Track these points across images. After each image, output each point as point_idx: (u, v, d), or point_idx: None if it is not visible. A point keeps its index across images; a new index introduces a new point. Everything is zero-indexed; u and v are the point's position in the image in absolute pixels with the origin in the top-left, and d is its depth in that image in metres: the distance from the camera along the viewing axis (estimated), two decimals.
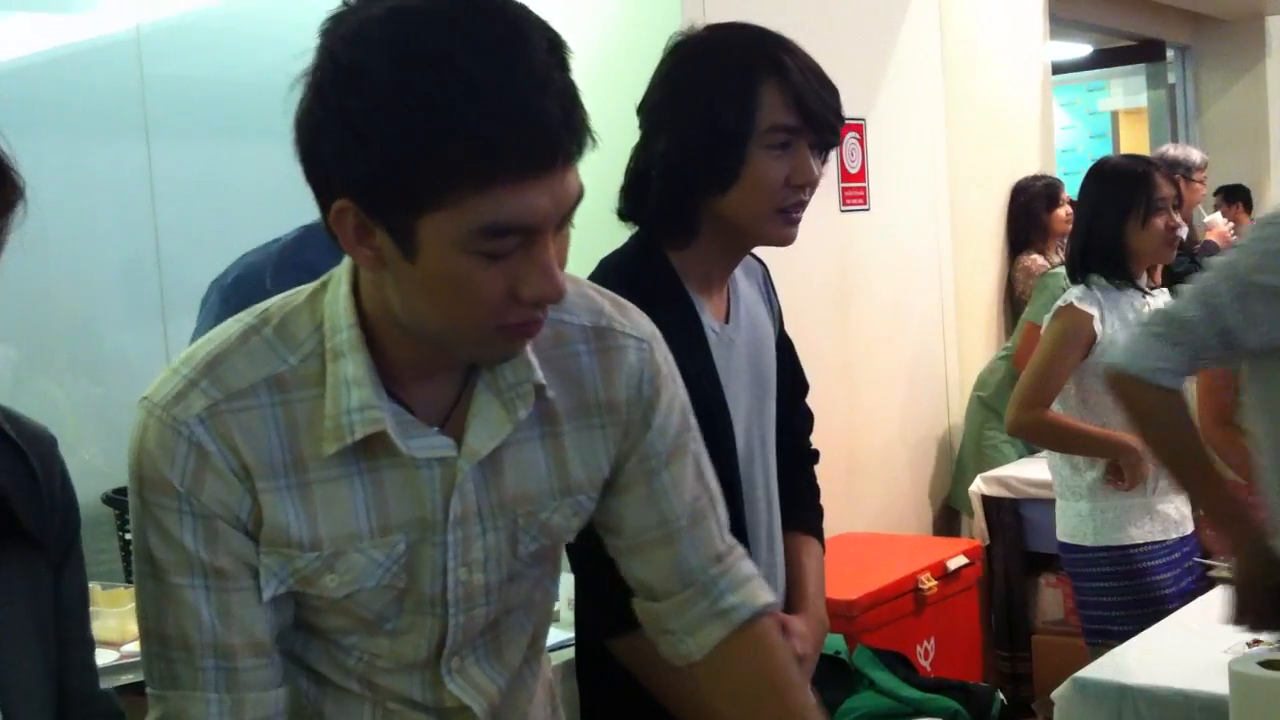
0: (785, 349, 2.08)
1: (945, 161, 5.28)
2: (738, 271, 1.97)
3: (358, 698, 1.41)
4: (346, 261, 1.31)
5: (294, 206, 1.92)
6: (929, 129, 5.23)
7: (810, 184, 1.82)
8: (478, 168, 1.13)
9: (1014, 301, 5.59)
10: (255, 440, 1.27)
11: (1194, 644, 2.70)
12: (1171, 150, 6.38)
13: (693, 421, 1.51)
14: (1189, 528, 3.43)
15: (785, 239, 1.84)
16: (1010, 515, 4.72)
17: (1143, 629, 3.06)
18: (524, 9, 1.19)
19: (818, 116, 1.80)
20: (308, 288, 1.35)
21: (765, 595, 1.52)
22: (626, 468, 1.45)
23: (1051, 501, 3.57)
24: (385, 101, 1.13)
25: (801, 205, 1.83)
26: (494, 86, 1.12)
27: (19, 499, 1.19)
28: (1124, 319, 3.32)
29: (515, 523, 1.38)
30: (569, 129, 1.16)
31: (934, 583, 4.17)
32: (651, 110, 1.86)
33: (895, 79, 5.00)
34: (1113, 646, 3.18)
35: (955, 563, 4.27)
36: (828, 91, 1.82)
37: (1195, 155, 6.27)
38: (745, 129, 1.77)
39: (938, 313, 5.27)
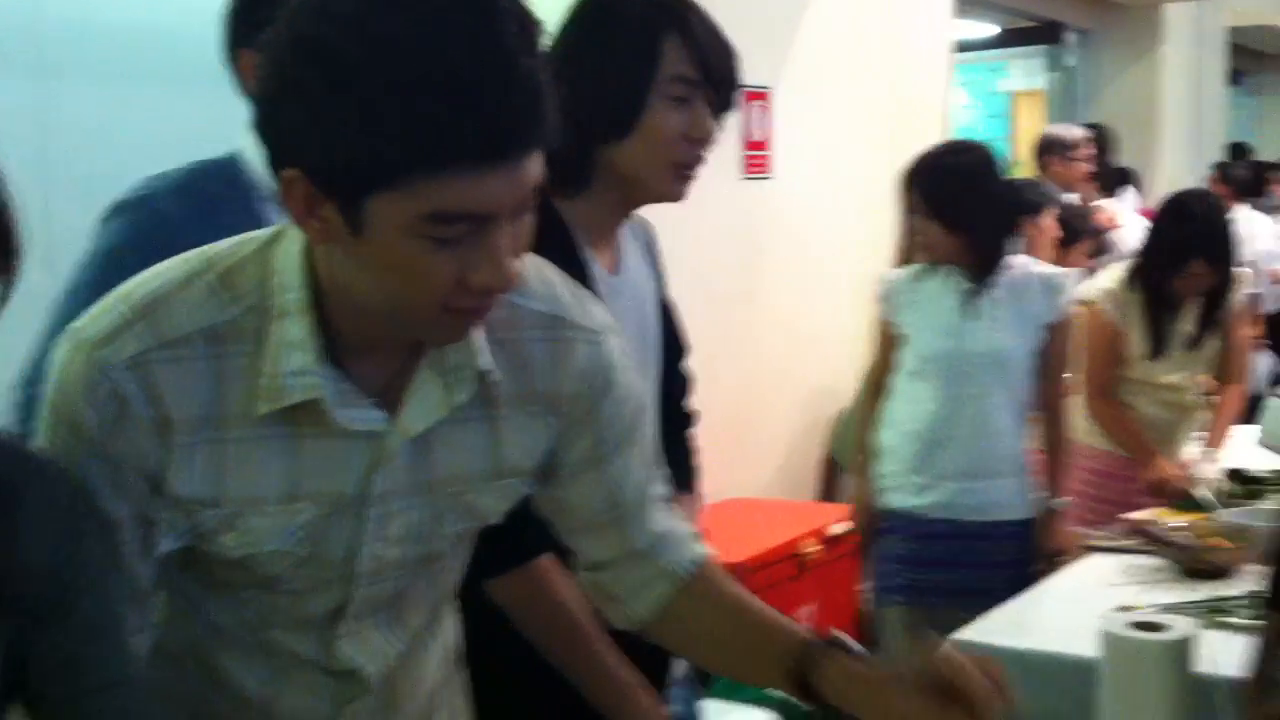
0: (666, 313, 2.09)
1: (850, 133, 5.34)
2: (625, 230, 1.97)
3: (250, 649, 1.40)
4: None
5: (198, 154, 1.91)
6: (836, 100, 5.28)
7: (707, 140, 1.81)
8: (431, 153, 1.10)
9: None
10: (181, 393, 1.23)
11: (1066, 609, 2.78)
12: (1051, 130, 6.43)
13: (645, 406, 1.51)
14: (1004, 515, 3.37)
15: (676, 195, 1.84)
16: None
17: (910, 594, 3.29)
18: None
19: (718, 73, 1.80)
20: (259, 237, 1.30)
21: (705, 549, 1.53)
22: (575, 457, 1.45)
23: None
24: (342, 80, 1.09)
25: (698, 161, 1.83)
26: (454, 71, 1.08)
27: None
28: (926, 304, 3.37)
29: (440, 502, 1.37)
30: (531, 118, 1.13)
31: (817, 548, 4.24)
32: (552, 63, 1.85)
33: (803, 49, 5.04)
34: (893, 603, 3.38)
35: (838, 528, 4.32)
36: (728, 53, 1.83)
37: (1072, 133, 6.23)
38: (646, 76, 1.77)
39: (839, 281, 5.33)
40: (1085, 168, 6.08)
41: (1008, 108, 11.44)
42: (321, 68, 1.10)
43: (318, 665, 1.42)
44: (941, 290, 3.35)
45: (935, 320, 3.35)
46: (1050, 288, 3.39)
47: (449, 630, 1.59)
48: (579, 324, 1.41)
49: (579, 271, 1.82)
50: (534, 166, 1.17)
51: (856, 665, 1.38)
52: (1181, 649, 1.83)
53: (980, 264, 3.31)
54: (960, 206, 3.27)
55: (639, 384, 1.50)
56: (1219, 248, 3.69)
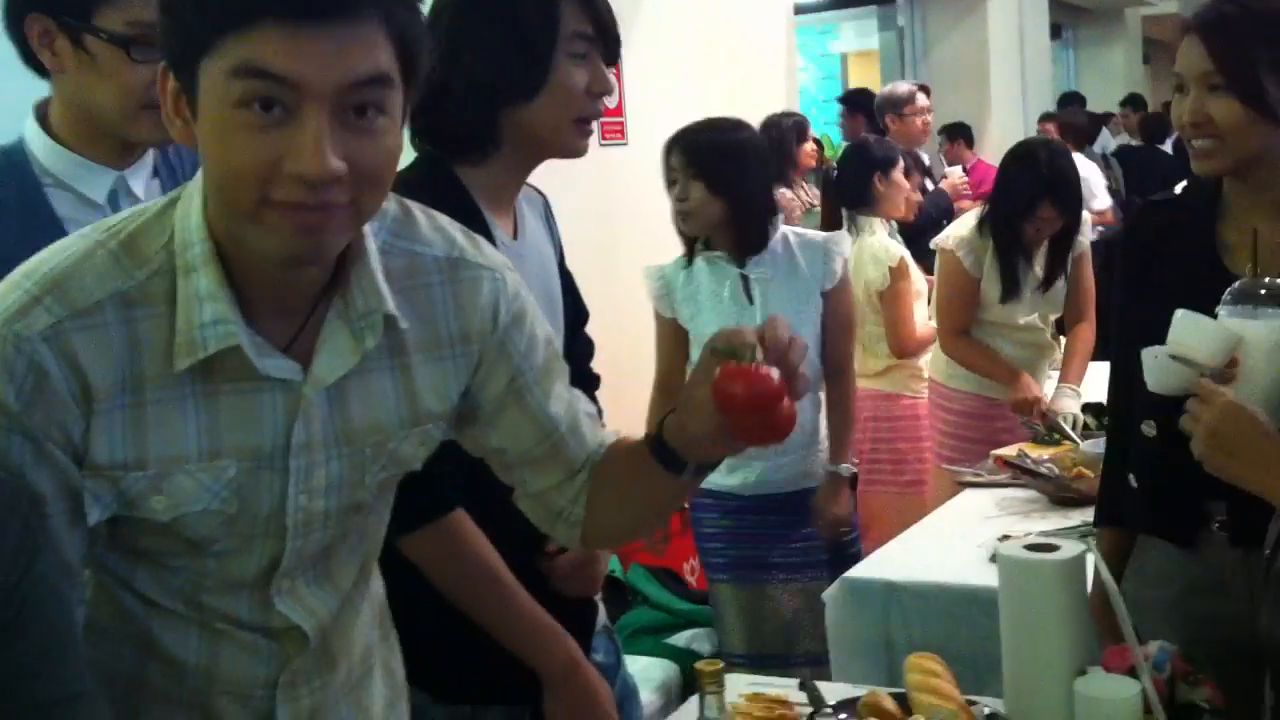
0: (566, 280, 2.14)
1: (699, 98, 5.40)
2: (521, 200, 2.01)
3: (184, 619, 1.40)
4: (199, 177, 1.29)
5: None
6: (682, 66, 5.33)
7: (609, 91, 1.89)
8: (237, 9, 1.15)
9: None
10: (98, 359, 1.24)
11: (950, 543, 2.90)
12: (883, 90, 6.56)
13: (555, 338, 1.56)
14: (811, 483, 3.31)
15: (580, 149, 1.90)
16: None
17: (734, 571, 3.24)
18: None
19: (609, 29, 1.88)
20: (156, 203, 1.32)
21: (611, 436, 1.59)
22: (495, 393, 1.48)
23: None
24: None
25: (599, 114, 1.90)
26: None
27: None
28: (701, 295, 3.30)
29: (364, 452, 1.39)
30: None
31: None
32: (448, 28, 1.86)
33: (648, 16, 5.08)
34: (721, 582, 3.33)
35: None
36: (609, 7, 1.89)
37: (901, 89, 6.33)
38: (550, 36, 1.82)
39: None
40: (918, 123, 6.20)
41: (840, 69, 11.67)
42: None
43: (253, 626, 1.43)
44: (713, 279, 3.28)
45: (713, 311, 3.25)
46: (823, 253, 3.29)
47: (377, 590, 1.60)
48: (478, 263, 1.45)
49: (484, 235, 1.84)
50: (359, 50, 1.19)
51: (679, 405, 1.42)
52: (1075, 566, 1.92)
53: (744, 233, 3.23)
54: (723, 166, 3.18)
55: (545, 319, 1.55)
56: (1065, 192, 3.82)
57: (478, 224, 1.84)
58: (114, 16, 1.73)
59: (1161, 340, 1.88)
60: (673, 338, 3.38)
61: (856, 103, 7.21)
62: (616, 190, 4.88)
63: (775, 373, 1.30)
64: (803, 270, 3.27)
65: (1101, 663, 1.90)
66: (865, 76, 10.76)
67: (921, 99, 6.20)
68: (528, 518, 1.60)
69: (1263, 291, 1.85)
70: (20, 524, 1.19)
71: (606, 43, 1.88)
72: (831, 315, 3.30)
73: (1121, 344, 2.20)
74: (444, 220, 1.46)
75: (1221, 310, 1.86)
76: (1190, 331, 1.84)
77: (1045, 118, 8.94)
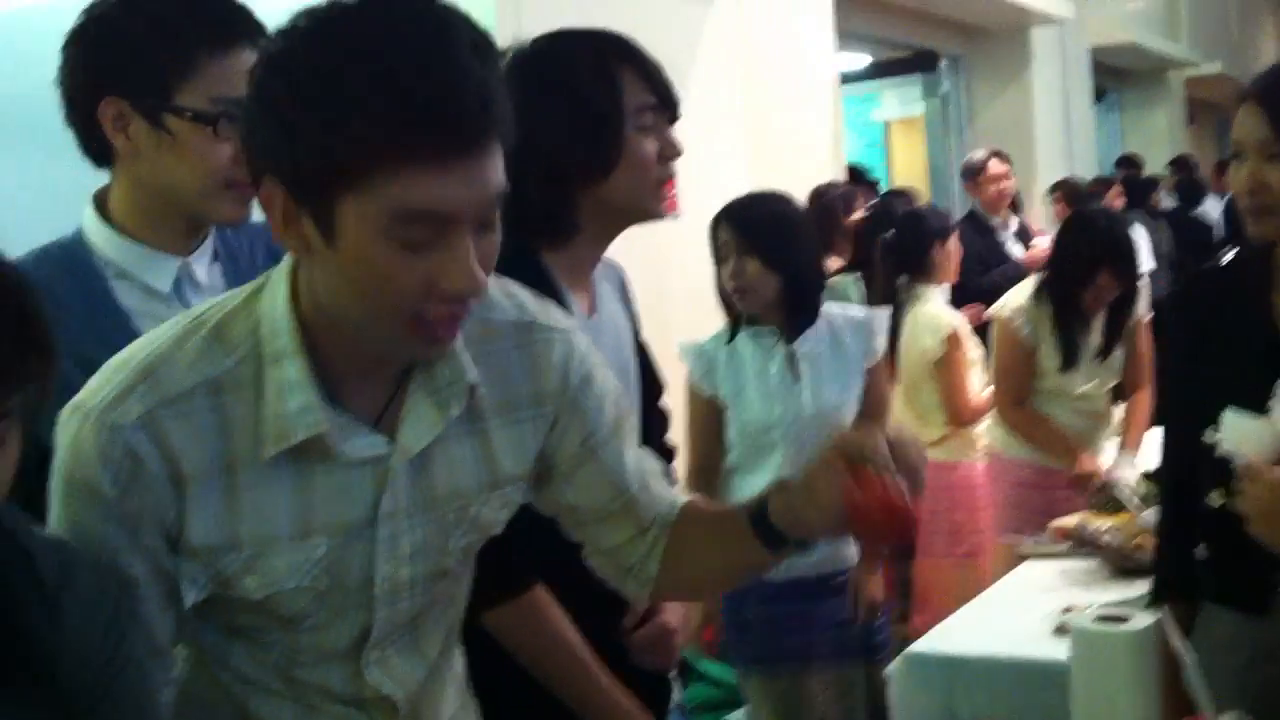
0: (642, 352, 2.15)
1: (747, 169, 5.43)
2: (598, 274, 2.03)
3: (279, 695, 1.43)
4: (284, 264, 1.33)
5: (65, 220, 1.81)
6: (731, 138, 5.36)
7: (678, 155, 1.92)
8: (387, 148, 1.16)
9: None
10: (190, 445, 1.27)
11: (1013, 615, 2.87)
12: (966, 157, 6.56)
13: (624, 395, 1.60)
14: (845, 564, 3.13)
15: (661, 213, 1.93)
16: None
17: (767, 663, 3.11)
18: (454, 12, 1.23)
19: (669, 94, 1.91)
20: (244, 290, 1.35)
21: (683, 497, 1.61)
22: (569, 452, 1.51)
23: None
24: (303, 85, 1.18)
25: (673, 175, 1.92)
26: (408, 71, 1.16)
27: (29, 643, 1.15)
28: (747, 373, 3.19)
29: (446, 518, 1.41)
30: (484, 115, 1.20)
31: None
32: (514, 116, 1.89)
33: (698, 87, 5.11)
34: (753, 673, 3.19)
35: None
36: (662, 69, 1.93)
37: (976, 157, 6.33)
38: (617, 112, 1.86)
39: None
40: (992, 190, 6.16)
41: (883, 137, 11.71)
42: (287, 79, 1.19)
43: (346, 699, 1.45)
44: (758, 355, 3.19)
45: (759, 389, 3.16)
46: (865, 330, 3.24)
47: (459, 661, 1.63)
48: (549, 325, 1.50)
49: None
50: (493, 170, 1.23)
51: (792, 490, 1.43)
52: (1150, 637, 1.90)
53: (799, 307, 3.16)
54: (778, 239, 3.13)
55: (613, 376, 1.58)
56: (1123, 260, 3.82)
57: (559, 303, 1.87)
58: (196, 94, 1.68)
59: (1218, 411, 1.90)
60: (709, 417, 3.23)
61: (853, 178, 7.22)
62: (671, 262, 4.90)
63: (902, 482, 1.34)
64: (847, 346, 3.20)
65: None
66: (909, 144, 10.79)
67: (996, 165, 6.16)
68: (600, 581, 1.61)
69: None
70: (110, 606, 1.22)
71: (669, 107, 1.92)
72: (871, 389, 3.22)
73: (1177, 417, 2.19)
74: (513, 286, 1.50)
75: (1275, 403, 1.88)
76: (1237, 431, 1.89)
77: (1054, 188, 8.74)
